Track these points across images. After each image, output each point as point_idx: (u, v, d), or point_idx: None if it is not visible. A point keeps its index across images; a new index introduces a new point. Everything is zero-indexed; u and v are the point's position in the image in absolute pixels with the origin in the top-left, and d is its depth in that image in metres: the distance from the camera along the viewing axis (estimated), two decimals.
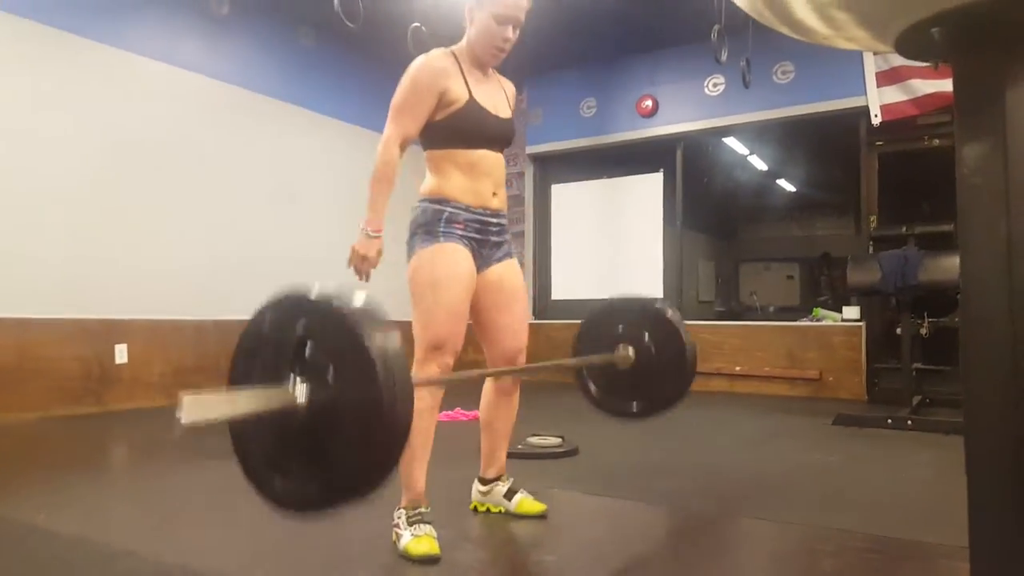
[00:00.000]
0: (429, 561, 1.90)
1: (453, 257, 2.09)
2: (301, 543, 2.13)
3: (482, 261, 2.18)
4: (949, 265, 4.40)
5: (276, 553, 2.07)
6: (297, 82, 6.36)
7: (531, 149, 7.61)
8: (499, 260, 2.24)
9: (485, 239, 2.17)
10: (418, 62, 2.12)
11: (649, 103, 6.96)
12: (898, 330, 4.94)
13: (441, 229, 2.09)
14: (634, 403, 2.60)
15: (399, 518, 2.03)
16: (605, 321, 2.61)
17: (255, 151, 6.00)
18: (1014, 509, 0.77)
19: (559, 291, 7.54)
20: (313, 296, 1.40)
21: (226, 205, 5.75)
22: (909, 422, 4.28)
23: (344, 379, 1.32)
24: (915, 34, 0.77)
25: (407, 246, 2.17)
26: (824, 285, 9.42)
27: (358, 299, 1.37)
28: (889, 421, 4.31)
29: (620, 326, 2.56)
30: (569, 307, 7.37)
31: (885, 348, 5.93)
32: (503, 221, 2.25)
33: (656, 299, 2.64)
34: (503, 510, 2.37)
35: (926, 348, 5.37)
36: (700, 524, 2.43)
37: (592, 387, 2.68)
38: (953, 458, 0.86)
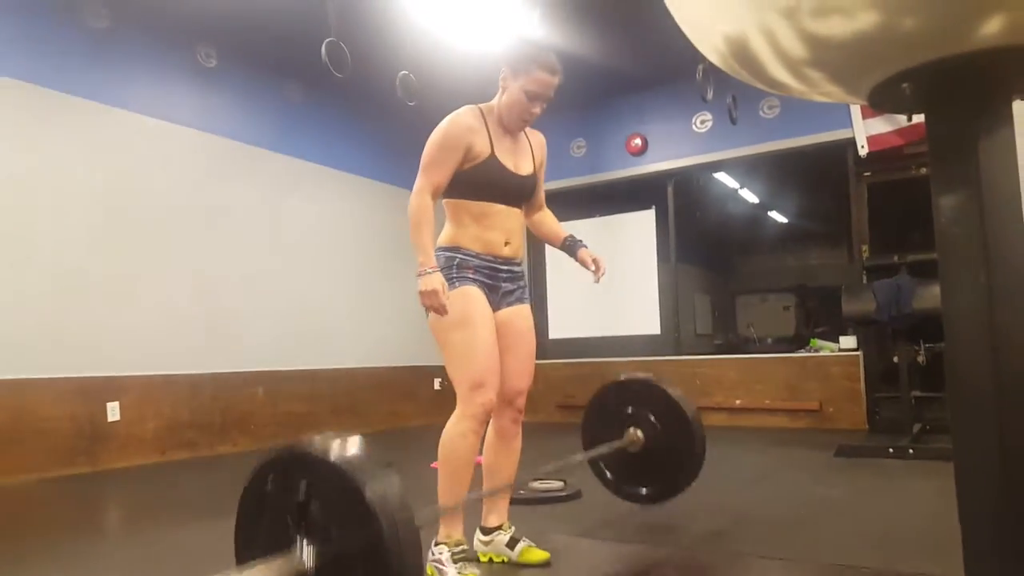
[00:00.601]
0: None
1: (472, 296, 2.19)
2: None
3: (494, 304, 2.27)
4: (942, 308, 4.42)
5: None
6: (287, 132, 6.43)
7: None
8: (510, 304, 2.32)
9: (495, 284, 2.27)
10: (449, 119, 2.21)
11: (639, 141, 7.05)
12: (895, 359, 4.94)
13: (455, 274, 2.19)
14: (646, 488, 2.66)
15: (440, 554, 2.07)
16: (612, 402, 2.68)
17: (248, 203, 6.04)
18: (1005, 538, 0.77)
19: (556, 331, 7.54)
20: (311, 453, 1.44)
21: (220, 257, 5.77)
22: (911, 451, 4.26)
23: (349, 536, 1.36)
24: (887, 89, 0.80)
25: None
26: (801, 318, 9.55)
27: (354, 450, 1.42)
28: (891, 451, 4.29)
29: (627, 407, 2.64)
30: (567, 346, 7.36)
31: (884, 377, 5.93)
32: (515, 268, 2.35)
33: (659, 379, 2.72)
34: (506, 559, 2.34)
35: (924, 375, 5.36)
36: (705, 565, 2.40)
37: (608, 474, 2.74)
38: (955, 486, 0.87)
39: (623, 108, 7.16)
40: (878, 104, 0.84)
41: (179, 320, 5.41)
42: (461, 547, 2.07)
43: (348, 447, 1.45)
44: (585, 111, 7.31)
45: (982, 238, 0.76)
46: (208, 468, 4.90)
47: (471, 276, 2.21)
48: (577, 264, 2.50)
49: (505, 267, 2.30)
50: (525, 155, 2.35)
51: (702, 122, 6.72)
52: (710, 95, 4.81)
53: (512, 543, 2.34)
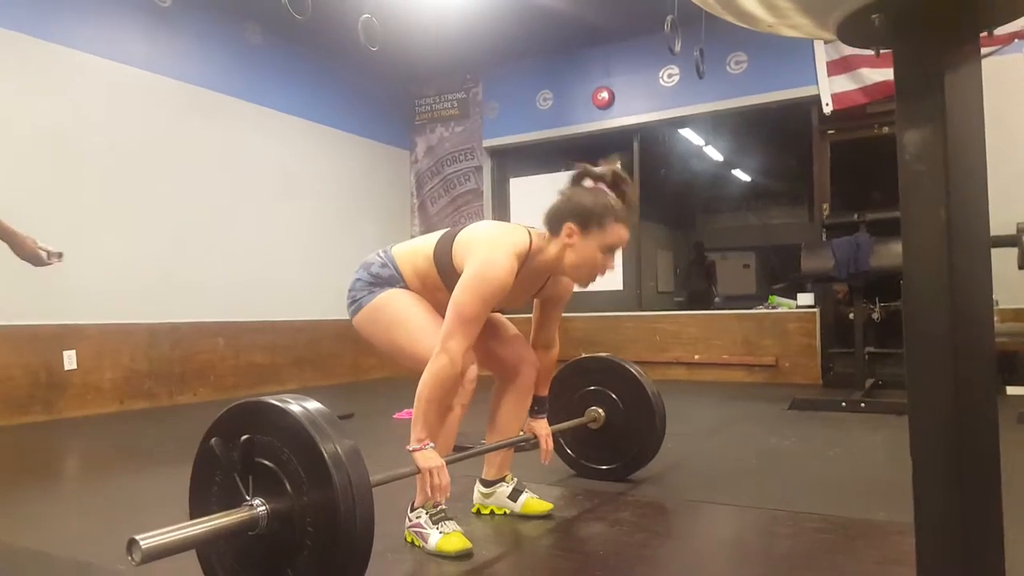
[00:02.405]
0: (465, 556, 1.88)
1: (411, 294, 2.07)
2: None
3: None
4: (899, 251, 4.50)
5: None
6: (246, 77, 6.24)
7: (488, 142, 7.58)
8: None
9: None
10: (498, 267, 1.87)
11: (605, 95, 6.99)
12: (851, 315, 5.05)
13: (379, 290, 2.07)
14: (607, 464, 2.71)
15: (418, 518, 1.95)
16: (572, 380, 2.71)
17: (206, 150, 5.87)
18: (956, 485, 0.79)
19: None
20: (261, 410, 1.45)
21: (178, 206, 5.62)
22: (862, 404, 4.38)
23: (300, 489, 1.37)
24: (856, 21, 0.78)
25: (353, 291, 2.12)
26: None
27: (306, 406, 1.43)
28: (843, 404, 4.41)
29: (588, 385, 2.67)
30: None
31: (839, 333, 6.06)
32: None
33: (620, 360, 2.76)
34: (507, 511, 2.30)
35: (878, 332, 5.50)
36: (659, 511, 2.45)
37: (568, 451, 2.78)
38: (905, 438, 0.88)
39: (591, 60, 7.08)
40: (846, 37, 0.83)
41: (137, 269, 5.29)
42: (440, 507, 1.93)
43: (300, 404, 1.45)
44: (552, 62, 7.21)
45: (944, 175, 0.76)
46: (167, 418, 4.84)
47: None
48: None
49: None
50: (534, 285, 2.12)
51: (669, 76, 6.68)
52: (678, 47, 4.78)
53: (515, 494, 2.29)
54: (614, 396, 2.67)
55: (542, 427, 2.32)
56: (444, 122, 7.78)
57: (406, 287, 2.08)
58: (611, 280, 7.03)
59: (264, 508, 1.39)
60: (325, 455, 1.33)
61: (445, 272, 2.02)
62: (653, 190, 8.68)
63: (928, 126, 0.77)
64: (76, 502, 2.84)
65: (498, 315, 2.30)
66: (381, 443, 3.66)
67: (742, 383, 6.13)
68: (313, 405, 1.45)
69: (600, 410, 2.67)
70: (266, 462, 1.40)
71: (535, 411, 2.33)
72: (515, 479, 2.33)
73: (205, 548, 1.47)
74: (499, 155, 7.75)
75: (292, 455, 1.38)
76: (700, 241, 10.33)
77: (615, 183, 1.98)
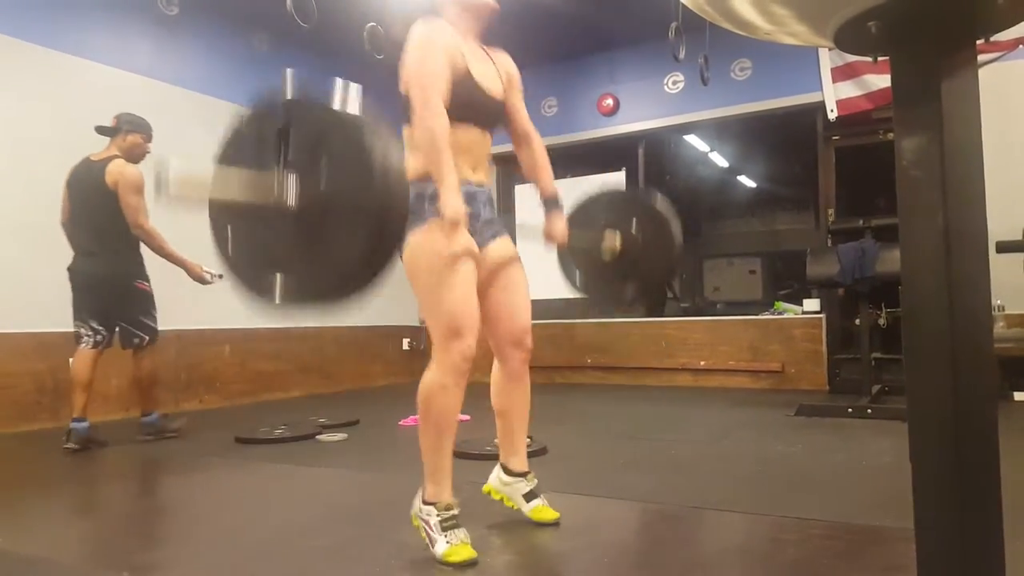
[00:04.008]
0: (469, 566, 1.88)
1: (431, 248, 1.98)
2: (272, 562, 2.10)
3: (477, 236, 2.06)
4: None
5: (246, 567, 2.03)
6: (252, 84, 6.25)
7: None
8: (493, 237, 2.17)
9: (475, 212, 2.07)
10: (426, 28, 2.02)
11: (610, 101, 7.00)
12: (857, 321, 5.03)
13: (427, 207, 1.95)
14: (625, 290, 2.63)
15: (429, 516, 1.95)
16: (591, 210, 2.63)
17: (210, 156, 5.89)
18: (956, 490, 0.79)
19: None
20: (295, 96, 1.39)
21: (183, 213, 5.63)
22: (869, 411, 4.36)
23: (336, 165, 1.28)
24: (853, 28, 0.79)
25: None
26: (767, 281, 9.65)
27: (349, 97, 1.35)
28: (849, 410, 4.39)
29: (606, 215, 2.60)
30: (535, 307, 7.35)
31: (845, 339, 6.04)
32: (489, 192, 2.20)
33: (638, 188, 2.70)
34: (516, 508, 2.31)
35: (884, 338, 5.48)
36: (664, 517, 2.45)
37: (578, 275, 2.70)
38: None
39: (595, 67, 7.10)
40: (843, 44, 0.84)
41: None
42: (451, 512, 1.94)
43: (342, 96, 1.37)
44: (557, 69, 7.23)
45: (942, 180, 0.76)
46: None
47: None
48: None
49: (479, 191, 2.13)
50: (493, 73, 2.19)
51: (674, 83, 6.69)
52: (682, 54, 4.78)
53: (530, 496, 2.29)
54: (631, 224, 2.59)
55: (555, 222, 2.32)
56: None
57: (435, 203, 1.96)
58: None
59: (295, 186, 1.31)
60: (367, 145, 1.26)
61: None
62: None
63: (925, 133, 0.77)
64: (82, 509, 2.85)
65: (515, 264, 2.27)
66: (387, 450, 3.68)
67: (748, 389, 6.12)
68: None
69: (616, 238, 2.58)
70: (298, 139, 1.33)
71: (550, 207, 2.33)
72: (535, 481, 2.33)
73: (224, 213, 1.40)
74: (504, 163, 7.76)
75: (333, 139, 1.31)
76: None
77: None
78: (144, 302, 4.04)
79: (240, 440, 3.97)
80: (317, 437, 4.08)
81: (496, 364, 2.29)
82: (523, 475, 2.31)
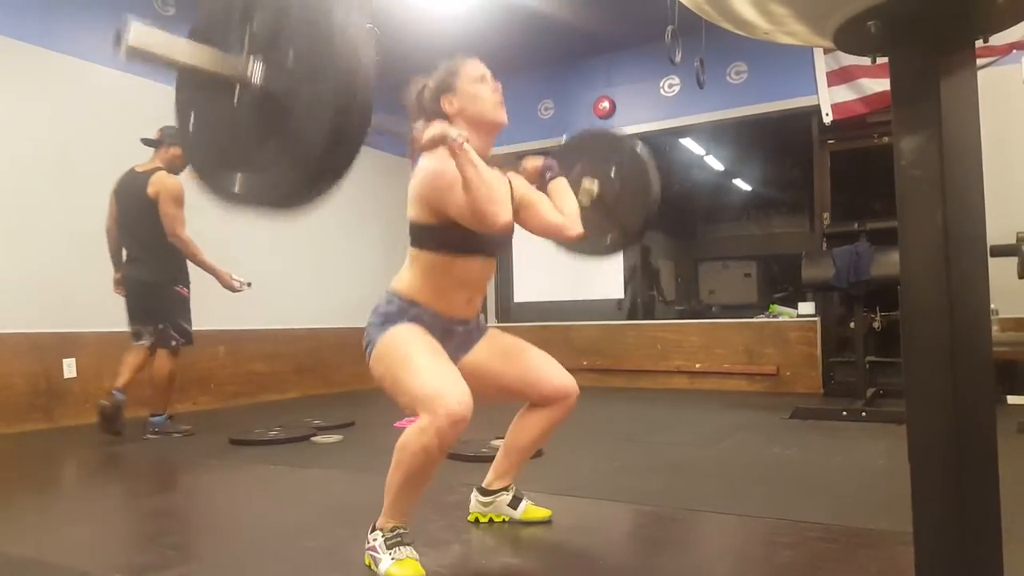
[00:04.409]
0: None
1: (416, 328, 1.96)
2: (265, 564, 2.09)
3: (451, 353, 2.01)
4: (899, 260, 4.53)
5: (240, 569, 2.02)
6: None
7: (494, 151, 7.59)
8: (476, 342, 2.14)
9: (449, 340, 2.03)
10: (432, 159, 1.91)
11: (606, 104, 7.01)
12: (852, 324, 5.04)
13: (401, 320, 1.96)
14: (603, 235, 2.61)
15: (375, 540, 1.87)
16: (568, 159, 2.61)
17: None
18: (954, 493, 0.79)
19: (521, 294, 7.54)
20: None
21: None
22: (863, 413, 4.37)
23: (303, 52, 1.21)
24: (852, 28, 0.79)
25: (368, 335, 2.00)
26: (762, 284, 9.58)
27: None
28: (844, 413, 4.40)
29: (581, 163, 2.58)
30: (531, 310, 7.38)
31: (840, 342, 6.05)
32: (470, 327, 2.12)
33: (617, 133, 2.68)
34: (507, 519, 2.29)
35: (879, 341, 5.49)
36: (660, 520, 2.45)
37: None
38: (906, 447, 0.87)
39: (591, 70, 7.11)
40: (842, 44, 0.84)
41: None
42: (396, 531, 1.86)
43: None
44: (553, 72, 7.24)
45: (941, 180, 0.76)
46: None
47: (423, 327, 1.98)
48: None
49: (461, 327, 2.07)
50: (505, 195, 2.07)
51: (670, 86, 6.70)
52: (678, 58, 4.79)
53: (515, 502, 2.28)
54: (609, 169, 2.56)
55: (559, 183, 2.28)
56: None
57: (422, 316, 1.98)
58: (612, 288, 7.05)
59: (261, 67, 1.24)
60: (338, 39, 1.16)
61: (421, 239, 2.00)
62: None
63: (924, 132, 0.77)
64: (76, 510, 2.84)
65: (511, 340, 2.23)
66: (382, 451, 3.65)
67: (744, 392, 6.12)
68: None
69: (594, 184, 2.54)
70: (265, 20, 1.25)
71: (550, 176, 2.28)
72: (514, 487, 2.32)
73: (186, 86, 1.33)
74: (500, 164, 7.76)
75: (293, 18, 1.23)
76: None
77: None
78: (183, 307, 4.28)
79: (234, 442, 3.96)
80: (312, 439, 4.07)
81: (533, 407, 2.21)
82: (503, 489, 2.30)
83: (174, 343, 4.22)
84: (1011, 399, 4.77)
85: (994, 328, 4.83)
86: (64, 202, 4.91)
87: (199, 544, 2.25)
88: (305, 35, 1.20)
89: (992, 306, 5.18)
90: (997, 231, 4.38)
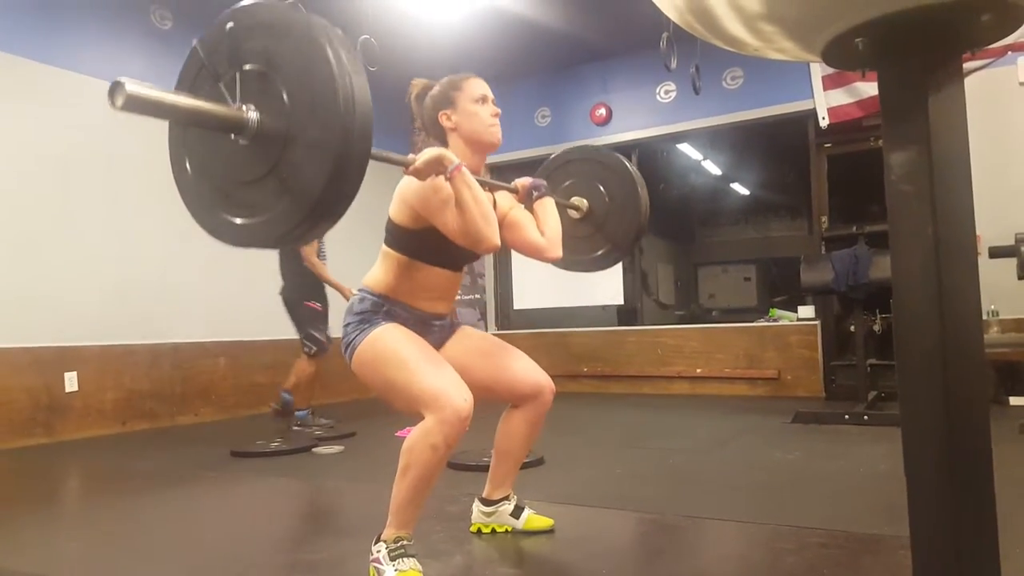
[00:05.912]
0: None
1: (400, 329, 1.97)
2: (267, 571, 2.09)
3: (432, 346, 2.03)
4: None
5: None
6: None
7: (488, 159, 7.60)
8: (450, 336, 2.16)
9: (425, 333, 2.04)
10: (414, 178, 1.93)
11: (603, 111, 7.03)
12: (852, 327, 5.05)
13: (379, 319, 1.97)
14: (596, 251, 2.65)
15: (378, 552, 1.87)
16: (557, 177, 2.65)
17: None
18: (949, 495, 0.79)
19: (520, 301, 7.54)
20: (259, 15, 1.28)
21: (180, 228, 5.62)
22: (865, 417, 4.37)
23: (296, 90, 1.21)
24: (841, 44, 0.80)
25: (346, 336, 2.01)
26: (761, 288, 9.52)
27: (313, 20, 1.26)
28: (846, 417, 4.40)
29: (570, 180, 2.62)
30: (531, 316, 7.38)
31: (840, 346, 6.06)
32: (446, 323, 2.15)
33: (602, 149, 2.74)
34: (509, 529, 2.29)
35: (880, 344, 5.50)
36: (662, 527, 2.45)
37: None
38: None
39: (588, 77, 7.13)
40: (831, 60, 0.85)
41: (139, 289, 5.30)
42: (400, 543, 1.86)
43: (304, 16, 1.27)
44: (550, 80, 7.26)
45: (931, 194, 0.77)
46: (168, 439, 4.84)
47: (399, 321, 1.99)
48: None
49: (437, 322, 2.10)
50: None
51: (666, 92, 6.72)
52: (674, 64, 4.80)
53: (517, 512, 2.29)
54: (598, 185, 2.62)
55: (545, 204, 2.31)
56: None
57: (396, 311, 2.01)
58: (612, 294, 7.05)
59: (255, 114, 1.24)
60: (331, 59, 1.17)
61: (397, 241, 2.04)
62: (652, 205, 8.67)
63: (913, 147, 0.78)
64: (77, 525, 2.84)
65: (485, 338, 2.27)
66: (383, 462, 3.66)
67: (745, 397, 6.12)
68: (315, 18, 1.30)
69: (584, 200, 2.61)
70: (257, 67, 1.24)
71: (537, 196, 2.30)
72: (516, 496, 2.33)
73: (179, 136, 1.35)
74: (498, 172, 7.78)
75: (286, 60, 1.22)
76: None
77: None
78: (314, 319, 4.79)
79: (236, 454, 3.96)
80: (313, 450, 4.07)
81: (519, 412, 2.22)
82: (504, 499, 2.31)
83: (306, 350, 4.76)
84: (1013, 400, 4.77)
85: (994, 329, 4.84)
86: (65, 216, 4.92)
87: (199, 557, 2.25)
88: (296, 75, 1.22)
89: (992, 307, 5.15)
90: (995, 232, 4.40)
